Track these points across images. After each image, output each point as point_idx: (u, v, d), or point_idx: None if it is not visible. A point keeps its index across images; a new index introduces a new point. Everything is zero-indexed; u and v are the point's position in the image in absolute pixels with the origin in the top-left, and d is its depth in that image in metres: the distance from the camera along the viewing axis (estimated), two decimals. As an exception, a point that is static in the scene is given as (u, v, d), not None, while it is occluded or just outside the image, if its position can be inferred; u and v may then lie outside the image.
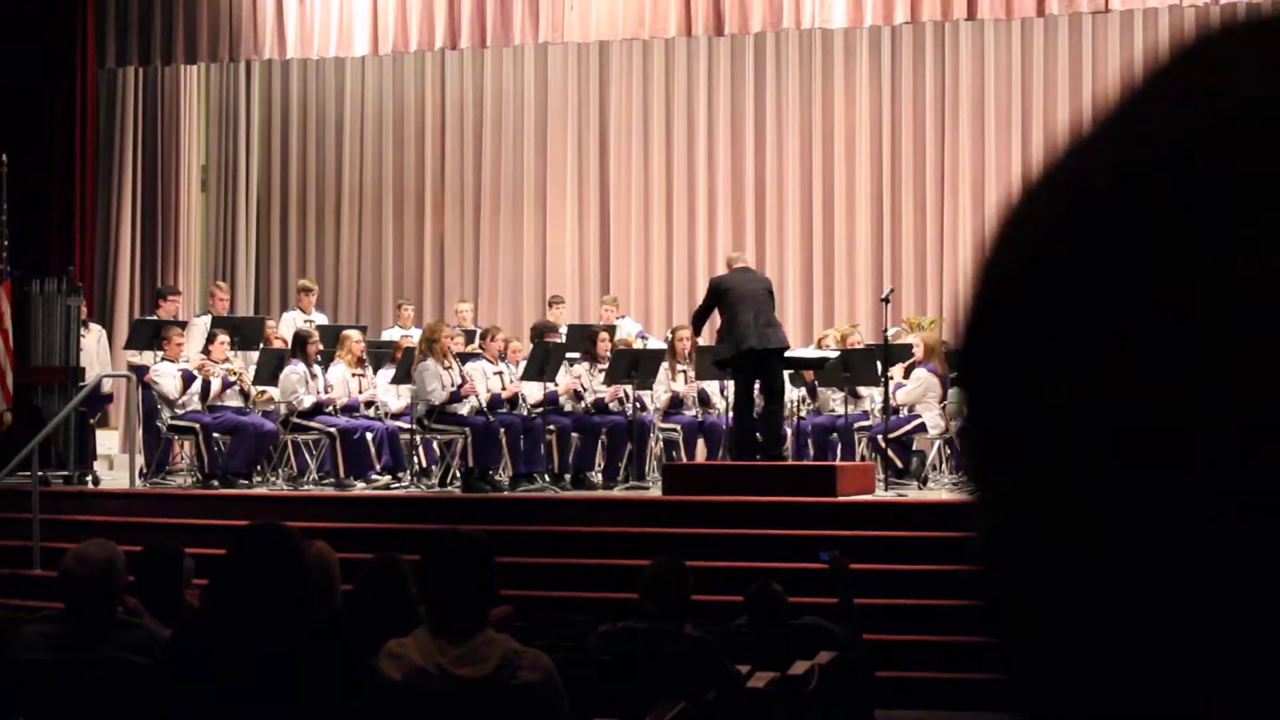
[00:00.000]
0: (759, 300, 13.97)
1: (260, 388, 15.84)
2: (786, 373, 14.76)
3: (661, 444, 16.10)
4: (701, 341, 17.29)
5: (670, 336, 16.89)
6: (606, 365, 15.70)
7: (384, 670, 4.92)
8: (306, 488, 15.40)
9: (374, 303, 21.49)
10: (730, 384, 15.54)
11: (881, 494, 13.98)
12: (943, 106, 20.19)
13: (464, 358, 15.55)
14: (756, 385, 14.23)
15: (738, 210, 20.71)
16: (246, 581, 4.86)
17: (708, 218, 20.81)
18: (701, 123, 20.90)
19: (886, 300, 15.30)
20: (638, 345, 17.52)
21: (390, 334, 18.44)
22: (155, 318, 17.07)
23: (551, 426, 15.41)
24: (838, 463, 14.79)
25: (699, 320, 14.93)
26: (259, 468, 15.70)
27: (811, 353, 15.66)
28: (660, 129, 21.03)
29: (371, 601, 5.90)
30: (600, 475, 15.67)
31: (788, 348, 14.25)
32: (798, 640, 8.31)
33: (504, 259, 21.39)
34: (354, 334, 16.24)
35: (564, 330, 17.75)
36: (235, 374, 15.64)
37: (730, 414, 15.63)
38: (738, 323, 13.96)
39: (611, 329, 17.27)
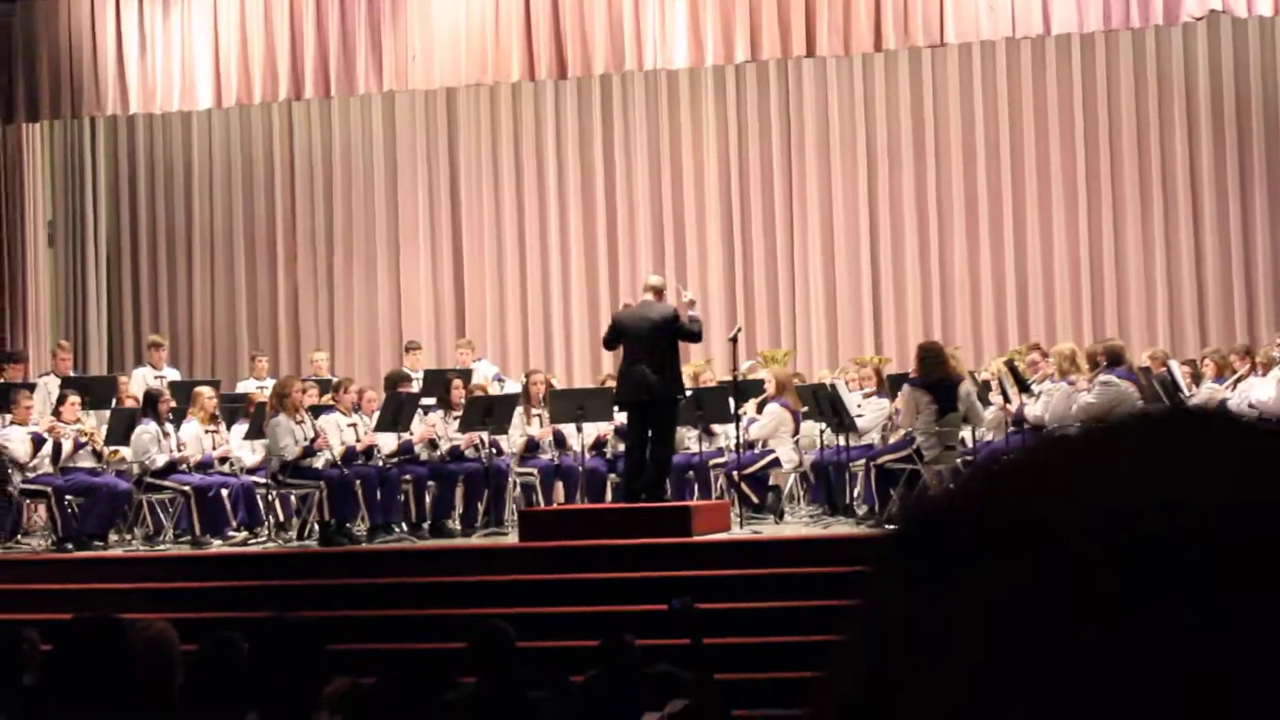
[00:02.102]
0: (647, 344, 13.84)
1: (113, 447, 15.71)
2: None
3: (519, 488, 16.14)
4: (557, 383, 17.40)
5: (525, 380, 16.95)
6: (461, 412, 15.72)
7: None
8: (163, 547, 15.30)
9: (229, 355, 21.39)
10: (586, 426, 15.65)
11: (737, 531, 14.10)
12: (789, 142, 20.42)
13: (317, 410, 15.52)
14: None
15: (590, 250, 20.83)
16: (75, 674, 4.87)
17: (560, 259, 20.91)
18: (551, 165, 21.01)
19: (734, 339, 15.42)
20: (494, 388, 17.57)
21: (246, 386, 18.35)
22: (1, 381, 16.88)
23: (407, 476, 15.41)
24: (693, 502, 14.90)
25: (607, 347, 14.91)
26: (114, 528, 15.57)
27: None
28: (510, 172, 21.11)
29: (206, 685, 5.90)
30: (458, 523, 15.69)
31: (672, 398, 14.15)
32: (649, 690, 8.38)
33: (359, 306, 21.37)
34: (206, 390, 16.15)
35: (420, 376, 17.77)
36: (87, 435, 15.52)
37: (586, 455, 15.75)
38: (626, 371, 14.00)
39: (466, 374, 17.31)
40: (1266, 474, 0.72)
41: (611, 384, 15.23)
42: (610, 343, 14.54)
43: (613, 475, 15.86)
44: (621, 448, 15.13)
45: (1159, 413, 0.80)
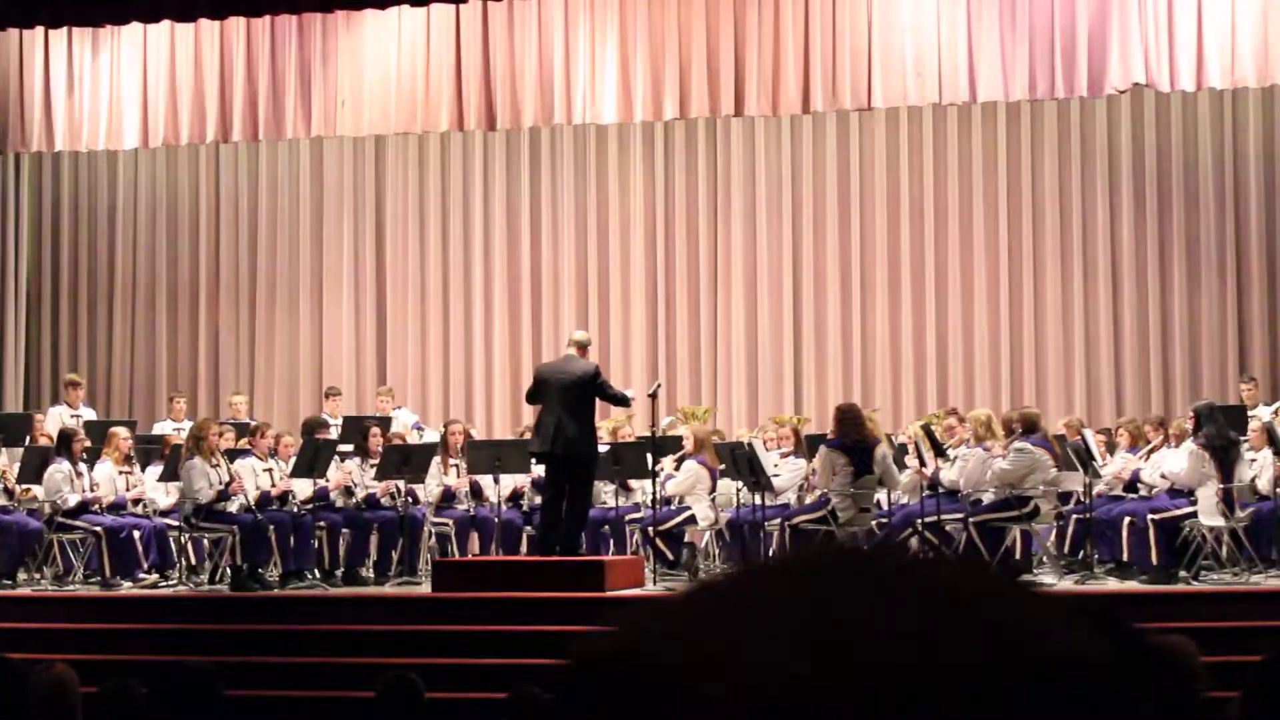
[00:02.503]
0: (567, 400, 13.89)
1: (24, 486, 15.57)
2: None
3: (434, 538, 16.10)
4: (476, 434, 17.38)
5: (444, 430, 16.92)
6: (378, 460, 15.68)
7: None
8: (72, 588, 15.17)
9: (147, 396, 21.26)
10: (504, 478, 15.65)
11: (651, 588, 14.10)
12: (715, 200, 20.52)
13: (234, 454, 15.44)
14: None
15: (514, 302, 20.85)
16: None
17: (484, 309, 20.91)
18: (477, 214, 21.03)
19: (654, 395, 15.45)
20: (414, 436, 17.54)
21: (163, 427, 18.23)
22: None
23: (322, 523, 15.34)
24: (608, 557, 14.90)
25: (530, 401, 14.90)
26: (24, 567, 15.43)
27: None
28: (436, 220, 21.12)
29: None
30: (372, 571, 15.63)
31: (589, 454, 14.17)
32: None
33: (280, 351, 21.30)
34: (121, 431, 16.05)
35: (340, 422, 17.71)
36: (-1, 472, 15.40)
37: (503, 507, 15.74)
38: (543, 422, 14.04)
39: (385, 422, 17.26)
40: (919, 638, 0.74)
41: (529, 436, 15.22)
42: (533, 396, 14.56)
43: (528, 527, 15.84)
44: (539, 500, 15.11)
45: (822, 562, 0.83)
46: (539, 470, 15.07)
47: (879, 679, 0.74)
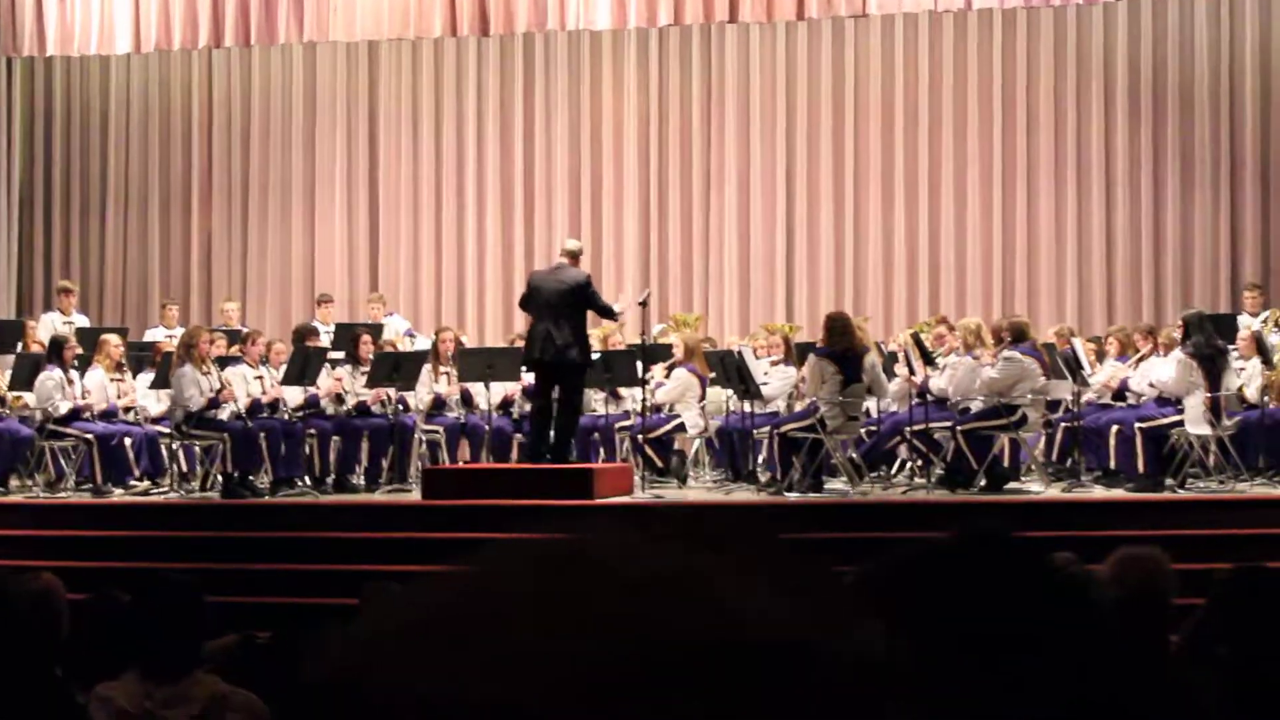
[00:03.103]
0: (557, 308, 13.91)
1: (15, 393, 15.60)
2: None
3: (424, 446, 16.15)
4: (466, 341, 17.39)
5: (434, 338, 16.93)
6: (368, 368, 15.70)
7: (93, 714, 4.96)
8: (64, 494, 15.23)
9: (140, 302, 21.28)
10: (494, 385, 15.68)
11: (639, 495, 14.16)
12: (709, 107, 20.46)
13: (225, 361, 15.44)
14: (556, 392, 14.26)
15: (507, 209, 20.82)
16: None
17: (477, 216, 20.89)
18: (471, 121, 20.97)
19: (644, 304, 15.45)
20: (405, 343, 17.56)
21: (155, 334, 18.25)
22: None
23: (313, 430, 15.38)
24: (596, 464, 14.95)
25: (523, 307, 14.88)
26: (16, 474, 15.49)
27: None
28: (430, 126, 21.06)
29: (88, 641, 5.91)
30: (363, 478, 15.69)
31: (580, 363, 14.18)
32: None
33: (272, 257, 21.29)
34: (112, 338, 16.06)
35: (331, 329, 17.73)
36: (-10, 379, 15.42)
37: (494, 415, 15.78)
38: (535, 330, 14.05)
39: (376, 329, 17.27)
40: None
41: (521, 344, 15.23)
42: (525, 303, 14.56)
43: (518, 435, 15.89)
44: (528, 408, 15.13)
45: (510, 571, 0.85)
46: (529, 378, 15.08)
47: (567, 691, 0.77)
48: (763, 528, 0.85)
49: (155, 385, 15.84)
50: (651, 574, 0.80)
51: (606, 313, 14.64)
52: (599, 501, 13.40)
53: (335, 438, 15.61)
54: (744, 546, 0.83)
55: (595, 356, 15.45)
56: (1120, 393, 15.06)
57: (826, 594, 0.82)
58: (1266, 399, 14.47)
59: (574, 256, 14.47)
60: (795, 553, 0.85)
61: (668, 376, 15.92)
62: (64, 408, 15.13)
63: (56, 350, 15.48)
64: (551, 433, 14.19)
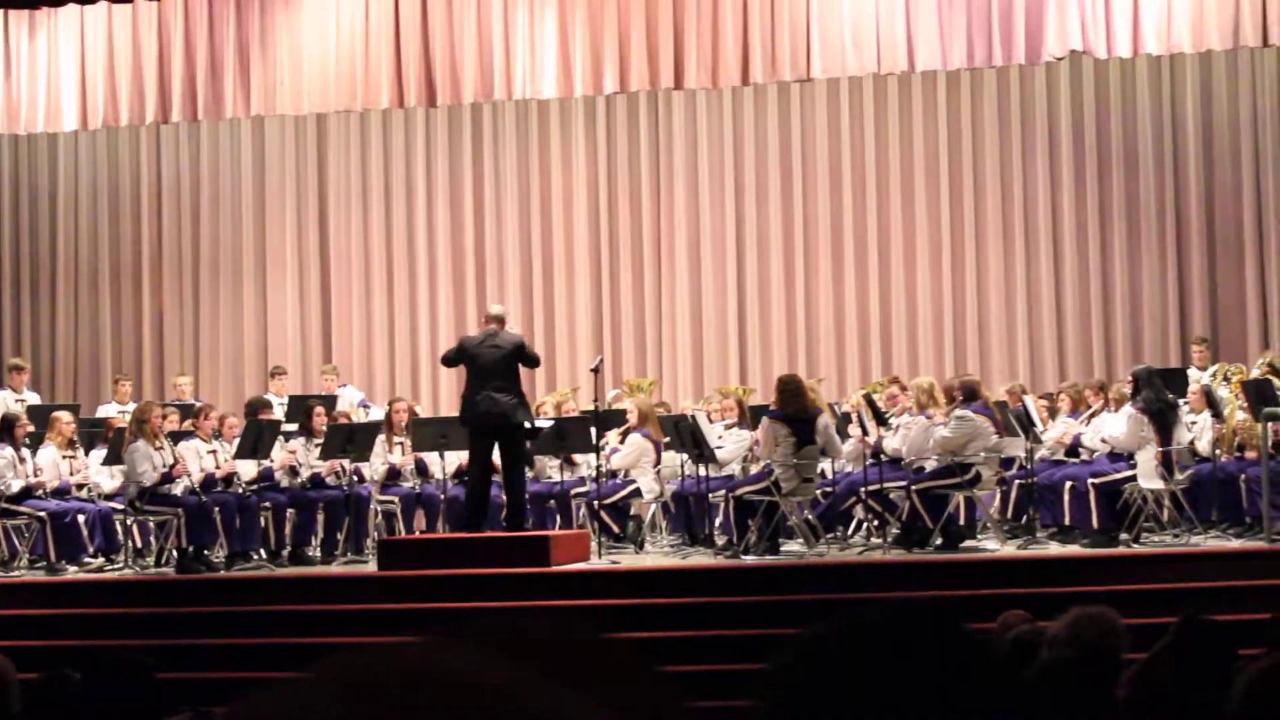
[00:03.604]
0: (499, 373, 13.97)
1: (-33, 472, 15.50)
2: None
3: (380, 516, 16.11)
4: (421, 411, 17.37)
5: (388, 408, 16.91)
6: (322, 439, 15.68)
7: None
8: (18, 573, 15.13)
9: (92, 379, 21.21)
10: (449, 454, 15.65)
11: (596, 561, 14.15)
12: (657, 172, 20.55)
13: (178, 436, 15.40)
14: (496, 452, 14.27)
15: (458, 278, 20.85)
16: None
17: (428, 286, 20.91)
18: (420, 191, 21.02)
19: (596, 370, 15.48)
20: (359, 414, 17.54)
21: (107, 410, 18.18)
22: None
23: (267, 503, 15.33)
24: (553, 532, 14.94)
25: (446, 364, 14.90)
26: (-32, 553, 15.39)
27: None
28: (379, 197, 21.10)
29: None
30: (319, 551, 15.64)
31: (522, 423, 14.21)
32: None
33: (224, 331, 21.26)
34: (64, 415, 16.00)
35: (285, 400, 17.72)
36: (-58, 459, 15.31)
37: (449, 484, 15.74)
38: (475, 396, 14.05)
39: (329, 400, 17.25)
40: None
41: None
42: (451, 361, 14.58)
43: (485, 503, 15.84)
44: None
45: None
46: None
47: None
48: (584, 633, 0.89)
49: (108, 461, 15.78)
50: (468, 684, 0.84)
51: (535, 362, 14.69)
52: (556, 569, 13.39)
53: (290, 510, 15.57)
54: (563, 654, 0.87)
55: (548, 423, 15.49)
56: (1073, 449, 15.13)
57: (647, 698, 0.86)
58: (1218, 452, 14.57)
59: (501, 321, 14.52)
60: (617, 657, 0.89)
61: (622, 442, 15.94)
62: (16, 486, 15.05)
63: (8, 428, 15.41)
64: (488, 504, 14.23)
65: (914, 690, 1.26)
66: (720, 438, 15.57)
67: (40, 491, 15.25)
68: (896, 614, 1.30)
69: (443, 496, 15.77)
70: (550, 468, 16.30)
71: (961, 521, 14.65)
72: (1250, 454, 14.46)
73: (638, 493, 15.73)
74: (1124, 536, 14.01)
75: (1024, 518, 15.13)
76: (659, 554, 15.45)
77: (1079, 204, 19.69)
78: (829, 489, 15.05)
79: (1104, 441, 14.58)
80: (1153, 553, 13.50)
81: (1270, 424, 13.83)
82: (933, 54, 17.27)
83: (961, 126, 20.00)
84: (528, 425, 14.26)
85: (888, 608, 1.31)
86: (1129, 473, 14.10)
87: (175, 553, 14.95)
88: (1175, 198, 19.50)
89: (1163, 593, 11.90)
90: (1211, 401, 14.83)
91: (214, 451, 15.39)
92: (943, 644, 1.30)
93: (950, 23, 17.17)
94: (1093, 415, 15.24)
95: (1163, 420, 14.02)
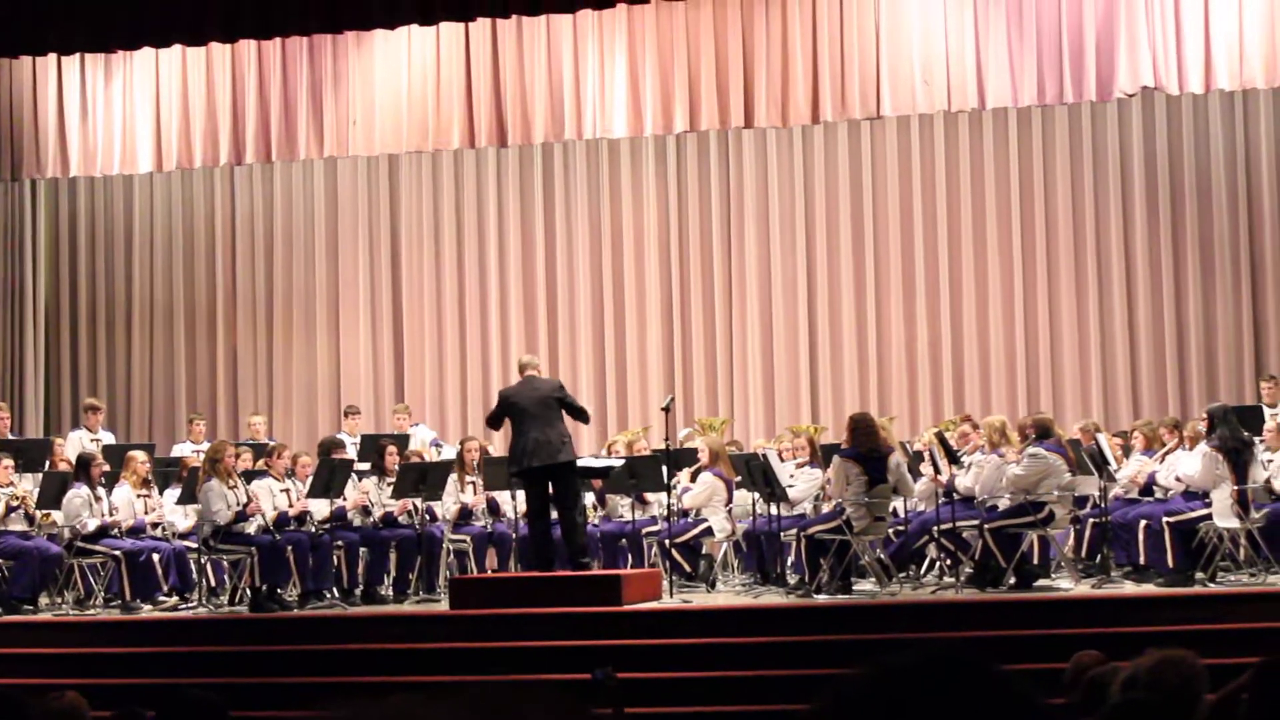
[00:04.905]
0: (541, 415, 14.10)
1: (44, 511, 15.64)
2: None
3: (452, 555, 16.15)
4: (493, 450, 17.41)
5: (460, 447, 16.97)
6: (394, 478, 15.74)
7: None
8: (93, 612, 15.25)
9: (167, 418, 21.37)
10: (520, 494, 15.67)
11: (668, 601, 14.12)
12: (728, 211, 20.56)
13: (251, 475, 15.50)
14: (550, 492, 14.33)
15: (530, 317, 20.91)
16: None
17: (500, 325, 20.98)
18: (492, 230, 21.10)
19: (667, 409, 15.48)
20: (431, 454, 17.59)
21: (182, 449, 18.31)
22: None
23: (340, 542, 15.40)
24: (624, 571, 14.92)
25: (491, 425, 15.09)
26: (45, 592, 15.51)
27: (596, 461, 15.85)
28: (451, 237, 21.20)
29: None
30: (390, 590, 15.68)
31: (573, 461, 14.32)
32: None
33: (298, 370, 21.39)
34: (139, 454, 16.12)
35: (358, 440, 17.80)
36: (19, 498, 15.45)
37: (521, 523, 15.75)
38: (521, 441, 14.13)
39: (402, 440, 17.33)
40: None
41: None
42: (495, 421, 14.73)
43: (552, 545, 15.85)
44: (554, 515, 15.11)
45: None
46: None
47: None
48: (566, 704, 0.91)
49: (182, 500, 15.89)
50: None
51: (584, 415, 14.80)
52: (628, 608, 13.38)
53: (362, 549, 15.64)
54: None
55: (619, 463, 15.52)
56: (1148, 487, 15.02)
57: None
58: (1294, 490, 14.42)
59: (537, 367, 14.77)
60: None
61: (694, 481, 15.92)
62: (92, 525, 15.18)
63: (84, 468, 15.56)
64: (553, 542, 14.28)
65: None
66: (792, 476, 15.54)
67: (115, 530, 15.38)
68: (927, 658, 1.30)
69: (514, 536, 15.80)
70: (622, 506, 16.31)
71: (1035, 560, 14.56)
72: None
73: (709, 531, 15.70)
74: (1199, 576, 13.88)
75: (1098, 556, 15.02)
76: (730, 593, 15.42)
77: (1152, 240, 19.58)
78: (901, 527, 14.99)
79: (1179, 480, 14.48)
80: (1228, 592, 13.37)
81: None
82: (1003, 91, 17.23)
83: (1033, 163, 19.93)
84: (572, 461, 14.33)
85: (919, 652, 1.32)
86: (1204, 511, 13.99)
87: (249, 591, 15.03)
88: (1250, 234, 19.36)
89: (1238, 633, 11.78)
90: (1288, 439, 14.69)
91: (287, 490, 15.48)
92: (972, 687, 1.30)
93: (1021, 59, 17.13)
94: (1167, 453, 15.13)
95: (1238, 458, 13.91)
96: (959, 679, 1.32)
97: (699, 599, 14.59)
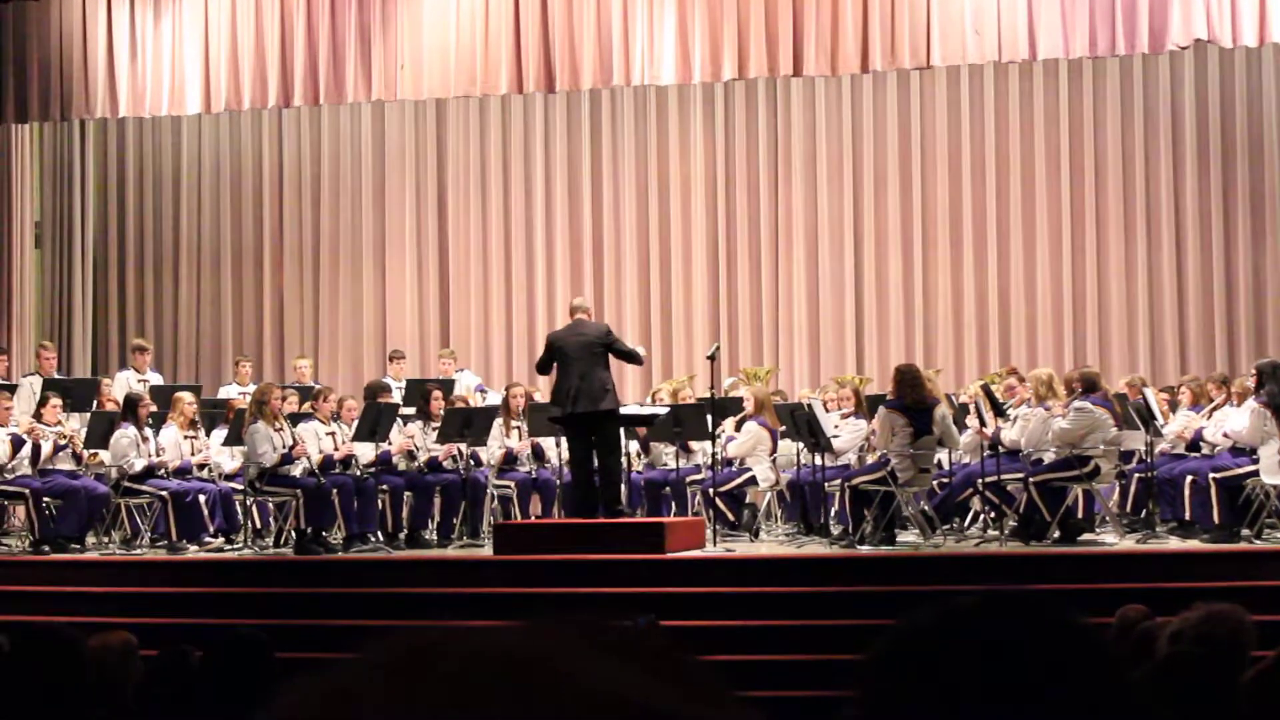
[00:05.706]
0: (585, 360, 14.06)
1: (92, 450, 15.73)
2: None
3: (496, 501, 16.19)
4: (538, 397, 17.42)
5: (505, 393, 16.99)
6: (439, 423, 15.78)
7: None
8: (139, 552, 15.34)
9: (213, 360, 21.45)
10: (565, 440, 15.69)
11: (711, 549, 14.13)
12: (775, 160, 20.50)
13: (297, 418, 15.56)
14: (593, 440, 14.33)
15: (575, 264, 20.90)
16: (25, 685, 4.91)
17: (546, 271, 20.98)
18: (539, 176, 21.08)
19: (712, 358, 15.45)
20: (476, 399, 17.62)
21: (228, 391, 18.37)
22: (-17, 380, 16.91)
23: (384, 486, 15.45)
24: (668, 519, 14.95)
25: (541, 370, 15.05)
26: (92, 531, 15.62)
27: (641, 409, 15.85)
28: (498, 183, 21.18)
29: (161, 698, 5.97)
30: (435, 534, 15.74)
31: (615, 410, 14.31)
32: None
33: (343, 314, 21.43)
34: (186, 396, 16.19)
35: (403, 384, 17.84)
36: (67, 437, 15.54)
37: (565, 469, 15.77)
38: (564, 385, 14.11)
39: (447, 385, 17.35)
40: None
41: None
42: (544, 366, 14.65)
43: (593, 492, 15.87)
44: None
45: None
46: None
47: None
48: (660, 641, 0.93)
49: (229, 442, 15.97)
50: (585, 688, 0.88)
51: (633, 357, 14.72)
52: (671, 556, 13.40)
53: (407, 493, 15.69)
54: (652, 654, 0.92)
55: (664, 410, 15.51)
56: (1194, 443, 14.94)
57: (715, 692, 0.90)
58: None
59: (586, 311, 14.68)
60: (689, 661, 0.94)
61: (738, 430, 15.92)
62: (139, 465, 15.26)
63: (131, 408, 15.63)
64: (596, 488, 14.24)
65: (1010, 681, 1.25)
66: (836, 427, 15.53)
67: (162, 471, 15.46)
68: (991, 602, 1.29)
69: (559, 482, 15.82)
70: (666, 455, 16.31)
71: (1080, 514, 14.51)
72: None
73: (753, 481, 15.71)
74: (1245, 532, 13.83)
75: (1143, 511, 14.97)
76: (774, 543, 15.43)
77: (1202, 194, 19.46)
78: (945, 480, 14.97)
79: (1226, 436, 14.40)
80: (1274, 549, 13.32)
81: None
82: (1055, 42, 17.08)
83: (1083, 115, 19.80)
84: (614, 409, 14.26)
85: (983, 596, 1.30)
86: (1251, 468, 13.92)
87: (294, 534, 15.11)
88: (1301, 188, 19.23)
89: (1285, 589, 11.74)
90: (1337, 396, 14.58)
91: (332, 434, 15.53)
92: (1040, 634, 1.29)
93: (1073, 10, 16.97)
94: (1215, 409, 15.05)
95: (1286, 415, 13.82)
96: (1025, 624, 1.31)
97: (742, 548, 14.61)
